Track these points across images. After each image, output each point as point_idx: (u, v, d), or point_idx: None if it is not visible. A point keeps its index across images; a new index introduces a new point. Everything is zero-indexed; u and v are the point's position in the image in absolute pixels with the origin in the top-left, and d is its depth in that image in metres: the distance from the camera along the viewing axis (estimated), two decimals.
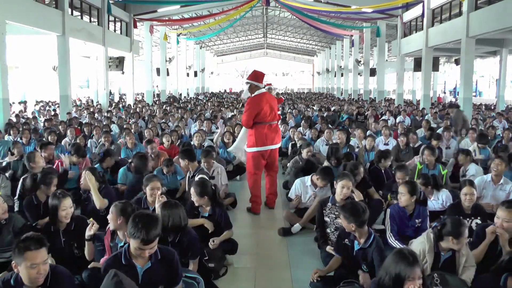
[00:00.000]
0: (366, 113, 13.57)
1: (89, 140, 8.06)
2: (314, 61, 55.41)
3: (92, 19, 17.23)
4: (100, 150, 7.16)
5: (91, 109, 15.30)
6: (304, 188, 5.05)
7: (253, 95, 5.54)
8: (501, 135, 8.69)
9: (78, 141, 7.21)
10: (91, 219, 3.33)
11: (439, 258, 3.04)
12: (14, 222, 3.52)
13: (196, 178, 4.58)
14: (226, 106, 17.97)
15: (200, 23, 27.05)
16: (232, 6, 19.82)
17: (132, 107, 16.86)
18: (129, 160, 5.77)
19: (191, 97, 29.18)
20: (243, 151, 5.81)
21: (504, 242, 3.17)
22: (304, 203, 5.05)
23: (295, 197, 5.10)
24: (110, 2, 17.22)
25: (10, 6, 11.02)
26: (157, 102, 20.56)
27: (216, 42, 42.58)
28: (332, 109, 17.31)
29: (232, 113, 13.86)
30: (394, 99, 23.32)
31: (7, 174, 5.20)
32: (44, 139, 7.46)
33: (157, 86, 29.94)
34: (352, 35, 27.34)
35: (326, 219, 4.06)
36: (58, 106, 16.14)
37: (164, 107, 16.28)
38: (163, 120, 11.59)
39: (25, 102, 18.95)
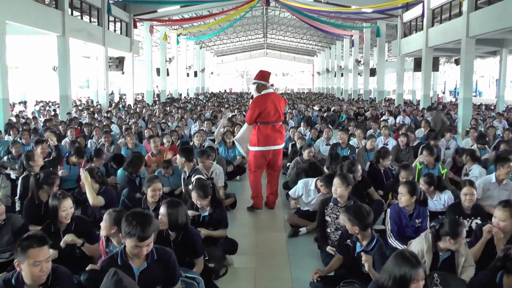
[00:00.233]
0: (366, 113, 13.58)
1: (89, 141, 8.06)
2: (314, 61, 55.41)
3: (92, 19, 17.23)
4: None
5: (91, 109, 15.30)
6: (307, 191, 4.98)
7: (260, 94, 5.59)
8: (501, 135, 8.70)
9: (78, 141, 7.20)
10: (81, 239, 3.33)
11: (437, 258, 3.04)
12: (12, 222, 3.52)
13: (193, 179, 4.56)
14: (226, 106, 17.98)
15: (200, 23, 27.05)
16: (232, 6, 19.82)
17: (132, 107, 16.87)
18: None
19: (191, 97, 29.19)
20: (247, 142, 5.81)
21: (498, 241, 3.18)
22: (306, 203, 5.01)
23: (293, 201, 5.10)
24: (110, 2, 17.22)
25: (10, 6, 11.02)
26: (157, 103, 20.56)
27: (216, 42, 42.58)
28: (332, 109, 17.35)
29: (233, 113, 13.88)
30: (394, 99, 23.33)
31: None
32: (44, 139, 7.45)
33: (157, 86, 29.94)
34: (352, 35, 27.35)
35: (327, 218, 4.06)
36: (58, 106, 16.14)
37: (164, 108, 16.30)
38: (163, 120, 11.60)
39: (24, 102, 18.96)
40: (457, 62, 20.58)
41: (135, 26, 20.91)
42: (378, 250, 3.15)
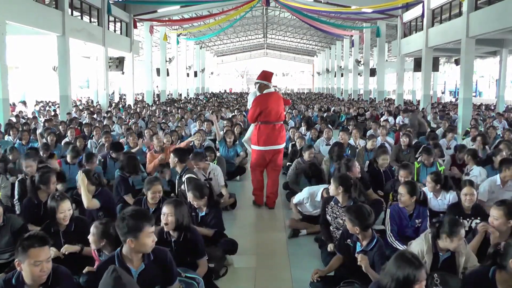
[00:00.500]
0: (366, 114, 13.59)
1: (89, 141, 8.06)
2: (314, 61, 55.42)
3: (92, 20, 17.23)
4: (100, 151, 7.17)
5: (91, 109, 15.30)
6: (313, 201, 4.79)
7: (261, 93, 5.66)
8: (501, 135, 8.71)
9: (78, 142, 7.19)
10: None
11: (437, 258, 3.05)
12: (12, 223, 3.52)
13: (183, 178, 4.55)
14: (226, 106, 17.98)
15: (200, 23, 27.05)
16: (232, 6, 19.82)
17: (132, 107, 16.87)
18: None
19: (191, 98, 29.19)
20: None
21: (494, 239, 3.21)
22: (310, 211, 4.89)
23: (297, 213, 4.93)
24: (110, 2, 17.23)
25: (10, 6, 11.03)
26: (157, 103, 20.56)
27: (216, 42, 42.58)
28: (332, 109, 17.35)
29: (233, 114, 13.88)
30: (394, 99, 23.34)
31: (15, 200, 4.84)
32: (44, 139, 7.45)
33: (157, 86, 29.95)
34: (352, 35, 27.36)
35: (328, 217, 4.07)
36: (58, 107, 16.14)
37: (163, 108, 16.30)
38: (163, 120, 11.60)
39: (24, 103, 18.94)
40: (457, 62, 20.58)
41: (135, 26, 20.92)
42: (378, 250, 3.15)
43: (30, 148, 6.49)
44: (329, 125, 10.26)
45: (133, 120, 11.45)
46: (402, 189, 3.87)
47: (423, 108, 16.43)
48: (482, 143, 6.97)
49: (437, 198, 4.55)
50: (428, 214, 3.95)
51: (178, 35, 27.10)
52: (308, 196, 4.79)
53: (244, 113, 12.38)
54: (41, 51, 18.73)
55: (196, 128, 10.06)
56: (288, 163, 7.18)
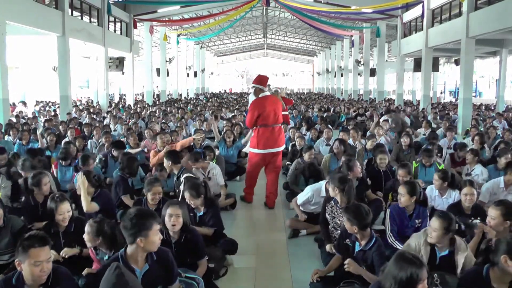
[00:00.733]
0: (366, 113, 13.58)
1: (89, 141, 8.06)
2: (314, 61, 55.42)
3: (92, 20, 17.23)
4: (100, 151, 7.17)
5: (91, 109, 15.30)
6: (318, 198, 4.66)
7: (257, 97, 5.69)
8: (501, 135, 8.72)
9: (77, 142, 7.19)
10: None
11: (435, 254, 3.05)
12: (12, 224, 3.52)
13: (181, 179, 4.54)
14: (226, 106, 17.98)
15: (200, 23, 27.05)
16: (232, 7, 19.82)
17: (132, 108, 16.87)
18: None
19: (191, 98, 29.19)
20: None
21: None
22: (310, 208, 4.86)
23: (299, 210, 4.85)
24: (110, 2, 17.23)
25: (10, 6, 11.02)
26: (157, 103, 20.55)
27: (216, 42, 42.58)
28: (332, 109, 17.35)
29: (233, 114, 13.87)
30: (394, 100, 23.33)
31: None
32: (44, 139, 7.45)
33: (157, 86, 29.96)
34: (352, 36, 27.36)
35: (327, 215, 4.07)
36: (58, 107, 16.15)
37: (163, 108, 16.30)
38: (163, 120, 11.60)
39: (24, 103, 18.92)
40: (457, 62, 20.58)
41: (135, 26, 20.92)
42: (377, 249, 3.15)
43: (30, 149, 6.48)
44: (329, 125, 10.26)
45: (133, 120, 11.45)
46: (402, 189, 3.86)
47: (423, 108, 16.44)
48: (480, 143, 6.98)
49: (442, 196, 4.52)
50: (429, 214, 3.96)
51: (178, 35, 27.10)
52: (312, 194, 4.69)
53: (244, 113, 12.37)
54: (41, 51, 18.72)
55: (195, 127, 10.05)
56: (288, 163, 7.17)
